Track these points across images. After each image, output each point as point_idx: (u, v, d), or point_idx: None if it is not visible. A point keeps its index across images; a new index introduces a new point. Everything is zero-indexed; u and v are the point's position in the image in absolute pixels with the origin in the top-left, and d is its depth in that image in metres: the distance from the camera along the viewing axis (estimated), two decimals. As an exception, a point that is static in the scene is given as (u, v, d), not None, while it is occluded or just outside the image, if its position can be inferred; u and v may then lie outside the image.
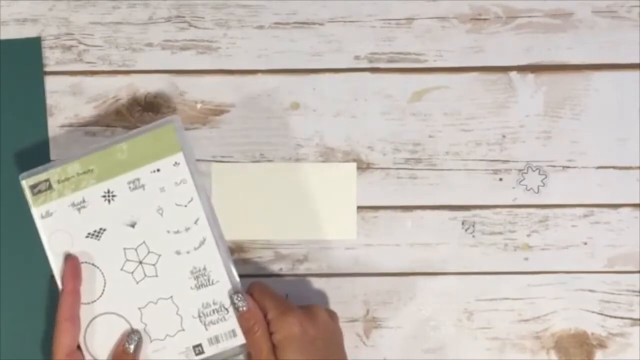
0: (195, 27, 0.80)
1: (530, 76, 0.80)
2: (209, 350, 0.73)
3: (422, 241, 0.80)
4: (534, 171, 0.80)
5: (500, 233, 0.80)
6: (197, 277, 0.73)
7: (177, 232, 0.73)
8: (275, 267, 0.80)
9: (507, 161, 0.80)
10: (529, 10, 0.81)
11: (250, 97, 0.80)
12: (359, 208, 0.80)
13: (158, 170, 0.73)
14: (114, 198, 0.73)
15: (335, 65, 0.80)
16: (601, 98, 0.81)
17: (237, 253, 0.80)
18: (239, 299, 0.72)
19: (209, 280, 0.73)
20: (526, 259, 0.80)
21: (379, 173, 0.80)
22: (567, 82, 0.81)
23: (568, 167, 0.81)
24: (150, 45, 0.80)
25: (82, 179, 0.73)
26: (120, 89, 0.80)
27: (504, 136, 0.80)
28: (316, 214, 0.80)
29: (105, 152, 0.73)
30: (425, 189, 0.80)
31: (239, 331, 0.73)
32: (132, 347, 0.72)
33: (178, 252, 0.73)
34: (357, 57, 0.80)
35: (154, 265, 0.73)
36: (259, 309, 0.72)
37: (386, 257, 0.80)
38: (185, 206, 0.73)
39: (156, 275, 0.73)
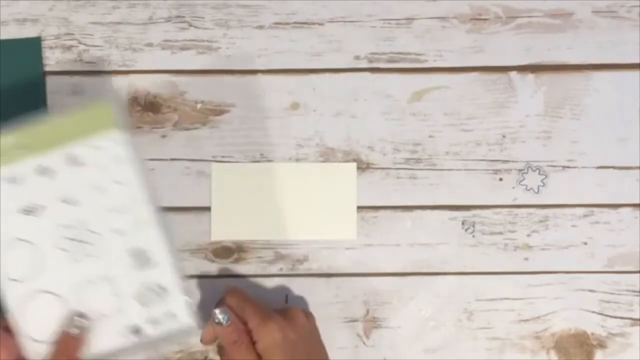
0: (195, 27, 0.80)
1: (530, 76, 0.80)
2: (147, 331, 0.71)
3: (422, 241, 0.80)
4: (534, 171, 0.80)
5: (500, 233, 0.80)
6: (136, 258, 0.71)
7: (117, 210, 0.72)
8: (275, 267, 0.80)
9: (507, 161, 0.80)
10: (529, 10, 0.81)
11: (250, 97, 0.80)
12: (359, 208, 0.80)
13: (97, 147, 0.71)
14: (51, 174, 0.71)
15: (335, 65, 0.80)
16: (601, 98, 0.81)
17: (237, 253, 0.80)
18: (221, 313, 0.72)
19: (148, 261, 0.71)
20: (526, 259, 0.80)
21: (379, 173, 0.80)
22: (567, 82, 0.81)
23: (568, 167, 0.81)
24: (150, 45, 0.80)
25: (17, 153, 0.71)
26: (120, 89, 0.80)
27: (504, 136, 0.80)
28: (316, 214, 0.80)
29: (43, 127, 0.71)
30: (425, 189, 0.80)
31: (178, 312, 0.71)
32: (77, 330, 0.70)
33: (117, 232, 0.71)
34: (357, 57, 0.80)
35: (92, 244, 0.71)
36: (239, 320, 0.72)
37: (386, 257, 0.80)
38: (125, 184, 0.72)
39: (94, 255, 0.71)
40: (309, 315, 0.76)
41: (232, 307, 0.73)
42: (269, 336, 0.71)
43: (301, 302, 0.80)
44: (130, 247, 0.71)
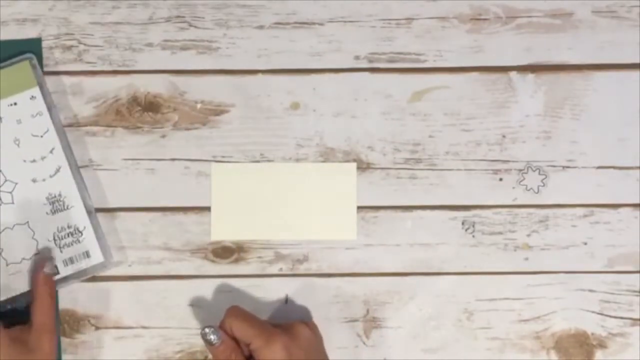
0: (195, 27, 0.80)
1: (530, 76, 0.80)
2: (64, 271, 0.76)
3: (422, 241, 0.80)
4: (534, 171, 0.80)
5: (500, 233, 0.80)
6: (52, 203, 0.77)
7: (34, 161, 0.77)
8: (275, 267, 0.80)
9: (507, 161, 0.80)
10: (529, 10, 0.81)
11: (250, 97, 0.80)
12: (359, 208, 0.80)
13: (15, 103, 0.77)
14: None
15: (335, 65, 0.80)
16: (601, 98, 0.81)
17: (237, 253, 0.80)
18: (211, 333, 0.72)
19: (64, 206, 0.77)
20: (526, 259, 0.80)
21: (379, 173, 0.80)
22: (567, 82, 0.81)
23: (568, 167, 0.81)
24: (150, 45, 0.80)
25: None
26: (120, 89, 0.80)
27: (504, 136, 0.80)
28: (316, 214, 0.80)
29: None
30: (425, 189, 0.80)
31: (92, 252, 0.77)
32: (51, 273, 0.75)
33: (34, 180, 0.77)
34: (357, 57, 0.80)
35: (10, 192, 0.76)
36: (230, 339, 0.72)
37: (386, 257, 0.80)
38: (41, 137, 0.77)
39: (12, 202, 0.76)
40: (312, 327, 0.75)
41: (234, 328, 0.72)
42: (274, 356, 0.70)
43: (301, 302, 0.80)
44: (47, 193, 0.77)
